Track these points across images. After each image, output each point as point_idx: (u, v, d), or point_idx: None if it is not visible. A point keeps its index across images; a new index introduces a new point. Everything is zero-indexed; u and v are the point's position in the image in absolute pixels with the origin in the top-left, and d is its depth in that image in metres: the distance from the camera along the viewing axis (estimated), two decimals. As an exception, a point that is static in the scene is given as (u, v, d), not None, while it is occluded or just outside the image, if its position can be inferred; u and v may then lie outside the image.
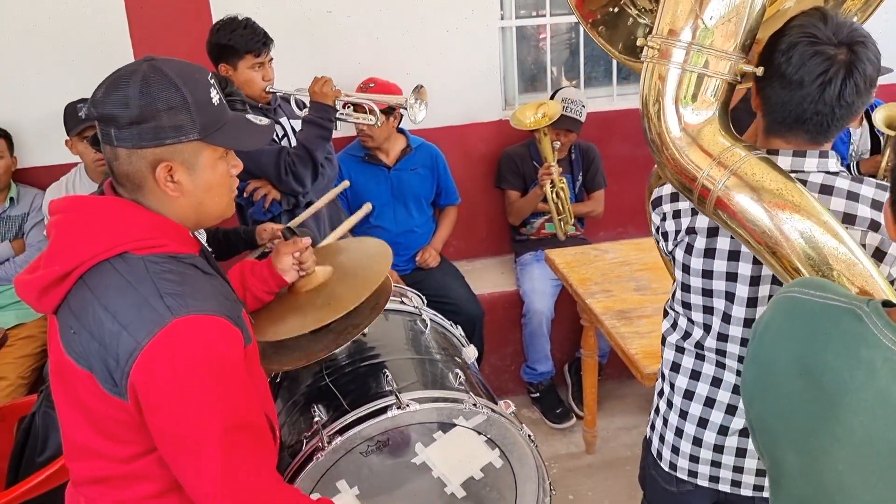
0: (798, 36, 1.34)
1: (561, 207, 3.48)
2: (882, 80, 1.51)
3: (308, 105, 2.76)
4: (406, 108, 2.80)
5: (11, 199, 3.14)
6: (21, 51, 3.20)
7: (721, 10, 1.34)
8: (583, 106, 3.47)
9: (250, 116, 1.43)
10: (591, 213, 3.73)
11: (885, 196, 1.38)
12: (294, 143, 2.85)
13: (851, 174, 1.44)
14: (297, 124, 2.89)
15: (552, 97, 3.55)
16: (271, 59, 2.79)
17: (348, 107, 2.86)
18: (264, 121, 1.45)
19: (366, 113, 2.89)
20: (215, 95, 1.34)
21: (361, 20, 3.49)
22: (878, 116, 3.40)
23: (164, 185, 1.31)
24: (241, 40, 2.69)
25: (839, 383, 0.90)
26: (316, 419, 1.80)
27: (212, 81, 1.35)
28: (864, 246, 1.37)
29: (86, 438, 1.36)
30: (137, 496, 1.38)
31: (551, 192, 3.42)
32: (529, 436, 1.95)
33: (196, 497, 1.31)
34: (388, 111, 3.22)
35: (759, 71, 1.38)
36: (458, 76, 3.66)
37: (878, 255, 1.38)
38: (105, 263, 1.29)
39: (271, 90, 2.78)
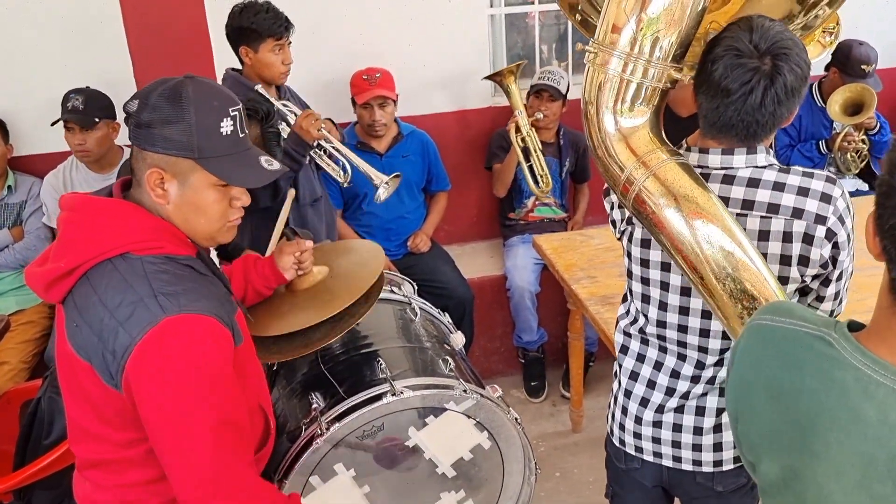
0: (724, 48, 1.44)
1: (531, 159, 3.51)
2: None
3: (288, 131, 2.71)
4: (375, 187, 2.75)
5: (9, 187, 3.19)
6: (16, 39, 3.23)
7: (658, 23, 1.44)
8: (562, 76, 3.53)
9: (264, 159, 1.47)
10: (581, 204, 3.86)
11: (810, 183, 1.48)
12: None
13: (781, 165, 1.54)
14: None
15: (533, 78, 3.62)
16: (290, 42, 2.82)
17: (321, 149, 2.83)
18: (276, 165, 1.48)
19: (338, 167, 2.83)
20: (227, 126, 1.41)
21: (352, 8, 3.53)
22: (836, 98, 3.53)
23: (152, 189, 1.40)
24: (263, 23, 2.72)
25: (815, 403, 0.96)
26: (314, 406, 1.88)
27: (232, 113, 1.42)
28: (790, 233, 1.49)
29: (88, 422, 1.45)
30: (136, 480, 1.47)
31: (516, 137, 3.45)
32: (516, 418, 2.04)
33: (181, 490, 1.38)
34: (384, 104, 3.30)
35: (686, 79, 1.50)
36: (448, 63, 3.72)
37: (807, 239, 1.49)
38: (108, 262, 1.38)
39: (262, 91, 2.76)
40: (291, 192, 2.53)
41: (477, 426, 2.00)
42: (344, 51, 3.52)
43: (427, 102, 3.69)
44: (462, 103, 3.82)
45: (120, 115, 2.58)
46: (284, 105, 2.82)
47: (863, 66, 3.62)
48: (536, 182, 3.56)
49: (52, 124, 3.02)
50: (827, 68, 3.77)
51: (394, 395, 1.85)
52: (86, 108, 2.97)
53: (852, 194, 3.74)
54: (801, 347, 1.00)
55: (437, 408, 1.95)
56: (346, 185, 2.89)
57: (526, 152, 3.50)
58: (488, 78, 3.55)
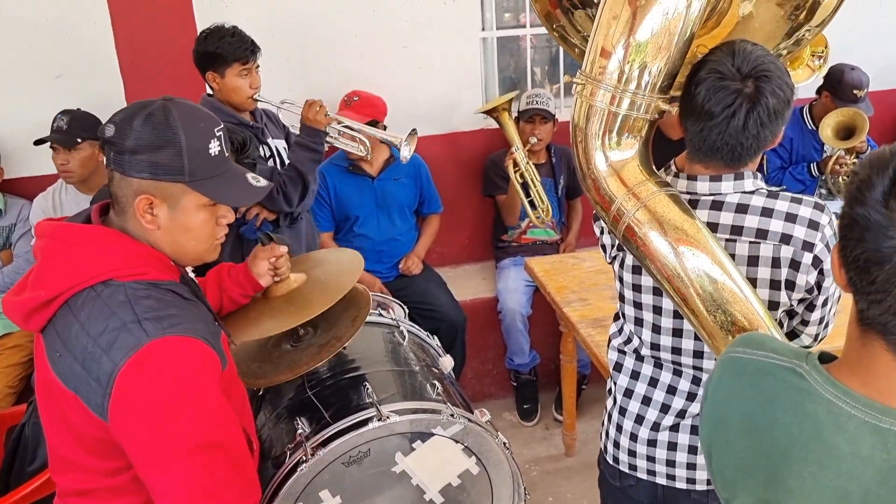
0: (707, 71, 1.45)
1: (531, 192, 3.52)
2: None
3: (297, 126, 2.79)
4: (398, 147, 2.88)
5: (-1, 210, 3.18)
6: (7, 62, 3.23)
7: (645, 50, 1.44)
8: (549, 98, 3.54)
9: (250, 176, 1.47)
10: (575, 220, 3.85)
11: (798, 209, 1.48)
12: (279, 163, 2.90)
13: (770, 190, 1.54)
14: (281, 144, 2.95)
15: (520, 101, 3.62)
16: (258, 66, 2.83)
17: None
18: (262, 182, 1.48)
19: (355, 142, 2.93)
20: (215, 146, 1.40)
21: (345, 30, 3.55)
22: (828, 122, 3.55)
23: (141, 216, 1.38)
24: (228, 48, 2.72)
25: (789, 437, 0.95)
26: (299, 431, 1.85)
27: (217, 133, 1.41)
28: (778, 258, 1.48)
29: (70, 452, 1.42)
30: None
31: (515, 173, 3.46)
32: (504, 443, 2.02)
33: None
34: (373, 123, 3.29)
35: (674, 110, 1.50)
36: (440, 86, 3.73)
37: (794, 265, 1.49)
38: (89, 289, 1.35)
39: (258, 98, 2.81)
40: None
41: (465, 451, 1.98)
42: (336, 74, 3.54)
43: (419, 124, 3.67)
44: (454, 126, 3.83)
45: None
46: (283, 102, 2.89)
47: (855, 91, 3.64)
48: (537, 213, 3.58)
49: (35, 143, 3.01)
50: (819, 92, 3.79)
51: (380, 419, 1.83)
52: (69, 129, 2.97)
53: (844, 216, 3.77)
54: (774, 380, 1.00)
55: (425, 433, 1.93)
56: (368, 157, 3.06)
57: (525, 185, 3.51)
58: (484, 113, 3.54)
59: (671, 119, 1.56)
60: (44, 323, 1.39)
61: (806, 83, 3.53)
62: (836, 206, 3.93)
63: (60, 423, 1.41)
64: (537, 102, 3.52)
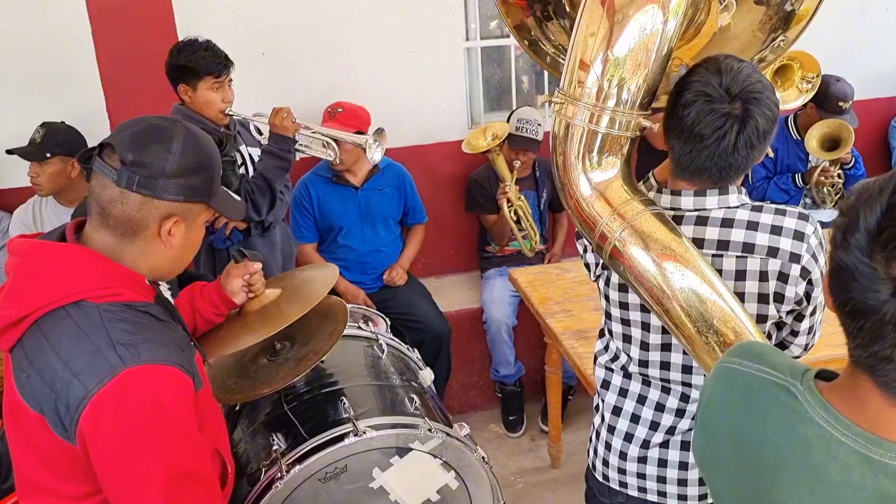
0: (695, 93, 1.43)
1: (523, 224, 3.53)
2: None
3: (268, 134, 2.79)
4: (364, 148, 2.87)
5: (-22, 221, 3.15)
6: (-12, 73, 3.22)
7: (624, 66, 1.43)
8: (539, 124, 3.50)
9: (232, 191, 1.56)
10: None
11: (783, 220, 1.48)
12: (252, 170, 2.88)
13: (753, 203, 1.53)
14: (255, 152, 2.93)
15: (509, 118, 3.60)
16: (231, 80, 2.82)
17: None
18: (237, 196, 1.53)
19: (324, 148, 2.94)
20: (220, 164, 1.46)
21: (327, 41, 3.54)
22: (814, 133, 3.57)
23: (165, 237, 1.38)
24: (201, 62, 2.71)
25: (778, 459, 0.93)
26: (275, 447, 1.83)
27: None
28: (766, 272, 1.48)
29: (37, 475, 1.39)
30: None
31: (509, 210, 3.46)
32: (483, 457, 2.00)
33: None
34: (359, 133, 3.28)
35: (657, 127, 1.49)
36: (425, 96, 3.73)
37: (783, 277, 1.48)
38: (60, 310, 1.32)
39: (230, 112, 2.80)
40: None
41: (443, 466, 1.96)
42: (321, 85, 3.53)
43: (404, 135, 3.69)
44: (439, 136, 3.82)
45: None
46: (256, 115, 2.88)
47: (840, 103, 3.66)
48: (529, 244, 3.58)
49: (7, 152, 2.99)
50: (804, 103, 3.81)
51: (356, 434, 1.81)
52: (41, 142, 2.95)
53: (829, 225, 3.77)
54: (766, 397, 0.97)
55: (402, 448, 1.91)
56: (338, 162, 3.12)
57: (517, 218, 3.52)
58: (476, 152, 3.50)
59: (657, 131, 1.55)
60: (13, 343, 1.36)
61: (794, 104, 3.55)
62: (822, 215, 3.96)
63: (27, 446, 1.39)
64: (527, 130, 3.48)
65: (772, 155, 1.84)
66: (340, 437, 1.82)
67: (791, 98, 3.56)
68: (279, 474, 1.76)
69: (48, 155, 2.95)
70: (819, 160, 3.76)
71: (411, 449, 1.92)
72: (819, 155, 3.69)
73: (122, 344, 1.29)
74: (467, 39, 3.79)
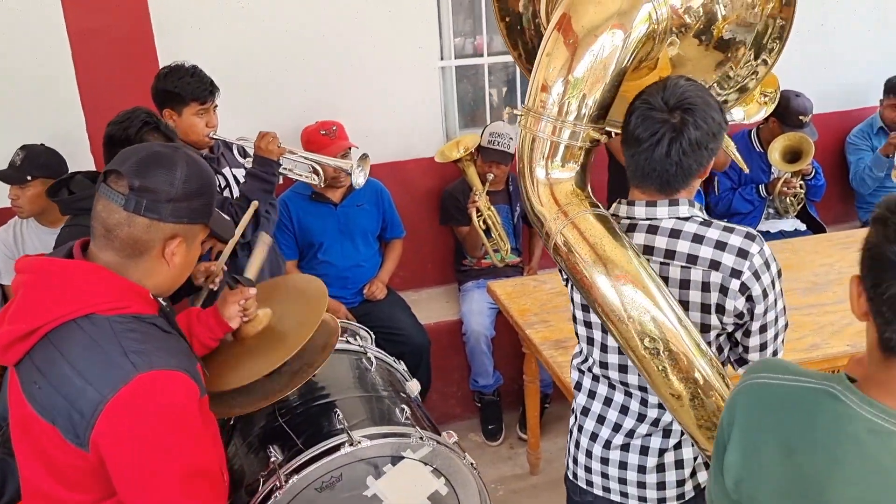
0: (640, 102, 1.57)
1: (492, 234, 3.61)
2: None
3: (252, 156, 2.81)
4: (350, 173, 2.93)
5: (-40, 242, 3.15)
6: (-32, 95, 3.23)
7: (583, 83, 1.57)
8: (511, 138, 3.57)
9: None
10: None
11: (729, 237, 1.56)
12: (236, 192, 2.92)
13: (705, 217, 1.63)
14: (240, 173, 2.97)
15: (483, 132, 3.68)
16: (216, 105, 2.85)
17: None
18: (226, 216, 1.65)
19: (310, 172, 2.98)
20: None
21: (306, 61, 3.60)
22: (776, 146, 3.73)
23: (169, 257, 1.47)
24: (187, 87, 2.74)
25: (830, 460, 0.97)
26: (272, 459, 1.89)
27: None
28: (708, 283, 1.58)
29: (45, 484, 1.45)
30: None
31: (478, 219, 3.54)
32: (472, 463, 2.08)
33: None
34: (346, 154, 3.35)
35: (604, 139, 1.62)
36: (401, 114, 3.81)
37: (723, 290, 1.58)
38: (71, 323, 1.39)
39: (214, 136, 2.83)
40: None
41: (434, 473, 2.03)
42: (298, 104, 3.59)
43: (381, 151, 3.76)
44: (416, 153, 3.90)
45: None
46: (240, 139, 2.90)
47: (800, 117, 3.84)
48: (499, 255, 3.67)
49: None
50: (766, 117, 3.96)
51: (351, 444, 1.88)
52: (21, 165, 2.95)
53: (792, 234, 3.94)
54: (808, 403, 1.02)
55: (395, 456, 1.98)
56: (323, 185, 3.15)
57: (486, 228, 3.59)
58: (448, 162, 3.59)
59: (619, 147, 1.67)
60: (21, 355, 1.42)
61: (757, 117, 3.71)
62: (784, 224, 4.10)
63: (37, 458, 1.44)
64: (499, 144, 3.56)
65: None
66: (336, 448, 1.89)
67: (754, 112, 3.71)
68: (278, 484, 1.82)
69: (28, 178, 2.96)
70: (781, 172, 3.93)
71: (403, 457, 1.99)
72: (781, 167, 3.86)
73: (133, 352, 1.37)
74: (442, 59, 3.88)
